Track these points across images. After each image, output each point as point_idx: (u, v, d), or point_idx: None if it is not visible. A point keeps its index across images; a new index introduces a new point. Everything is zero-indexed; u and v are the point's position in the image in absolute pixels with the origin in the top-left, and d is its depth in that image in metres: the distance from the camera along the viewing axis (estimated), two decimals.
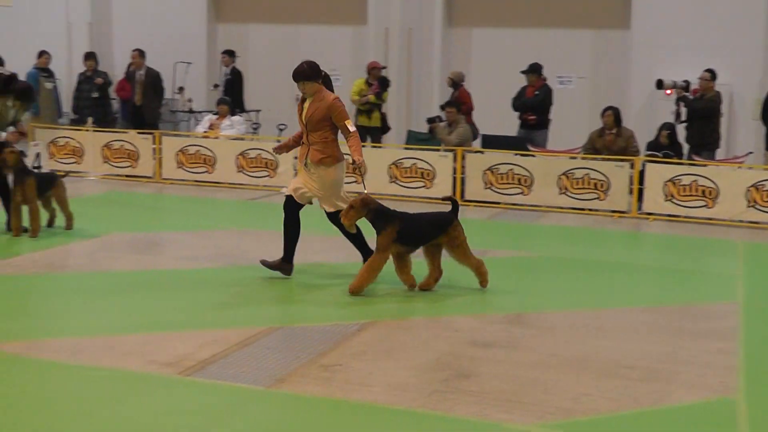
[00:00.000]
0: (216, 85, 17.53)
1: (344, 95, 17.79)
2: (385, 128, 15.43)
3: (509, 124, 14.82)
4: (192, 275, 8.74)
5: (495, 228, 12.12)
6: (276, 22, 19.01)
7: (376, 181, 13.91)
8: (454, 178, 13.68)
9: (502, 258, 10.00)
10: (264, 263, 8.54)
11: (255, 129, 17.26)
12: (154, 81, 16.32)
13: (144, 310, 7.43)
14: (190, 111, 18.26)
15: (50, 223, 10.78)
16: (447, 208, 8.33)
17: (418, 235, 8.18)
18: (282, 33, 18.98)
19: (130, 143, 15.31)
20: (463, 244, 8.25)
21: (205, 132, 15.38)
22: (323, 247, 9.91)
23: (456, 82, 15.41)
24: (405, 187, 13.84)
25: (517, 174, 13.39)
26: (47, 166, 14.86)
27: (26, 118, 10.44)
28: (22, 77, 16.80)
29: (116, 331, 6.78)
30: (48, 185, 10.44)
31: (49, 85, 16.91)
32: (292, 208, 8.56)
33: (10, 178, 10.21)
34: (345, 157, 8.56)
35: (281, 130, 16.87)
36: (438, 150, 13.94)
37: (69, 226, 10.70)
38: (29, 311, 7.52)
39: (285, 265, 8.54)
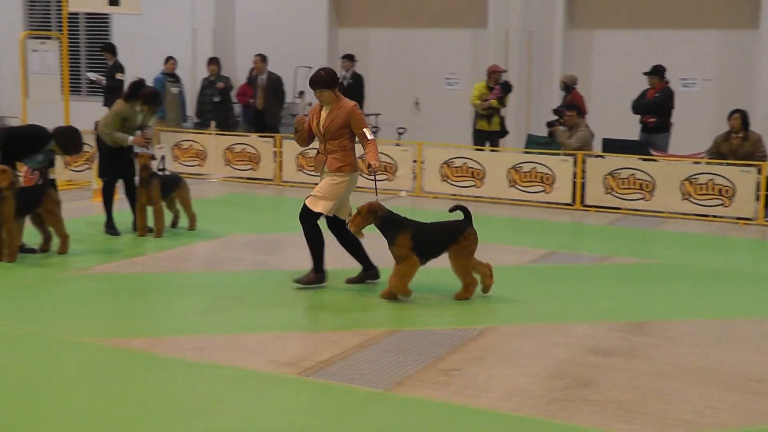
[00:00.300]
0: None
1: (462, 100, 17.91)
2: (503, 132, 15.31)
3: (631, 128, 14.53)
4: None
5: (615, 234, 11.89)
6: (395, 26, 19.06)
7: (495, 186, 13.85)
8: (574, 183, 13.49)
9: (623, 265, 9.81)
10: (298, 282, 8.32)
11: (374, 133, 17.33)
12: (275, 85, 16.57)
13: (264, 310, 7.54)
14: None
15: (174, 224, 11.06)
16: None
17: (431, 245, 7.92)
18: (401, 37, 19.04)
19: (251, 146, 15.59)
20: (470, 255, 7.95)
21: None
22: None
23: (568, 86, 15.20)
24: (524, 191, 13.71)
25: (639, 179, 13.11)
26: (171, 168, 15.26)
27: (153, 123, 10.69)
28: (149, 82, 17.33)
29: (237, 330, 6.90)
30: (172, 187, 10.71)
31: (174, 90, 17.32)
32: (313, 219, 8.35)
33: (136, 179, 10.49)
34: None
35: (400, 133, 16.92)
36: (558, 154, 13.77)
37: (192, 226, 10.96)
38: (153, 309, 7.71)
39: (318, 275, 8.36)
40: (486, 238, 10.76)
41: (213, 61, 17.46)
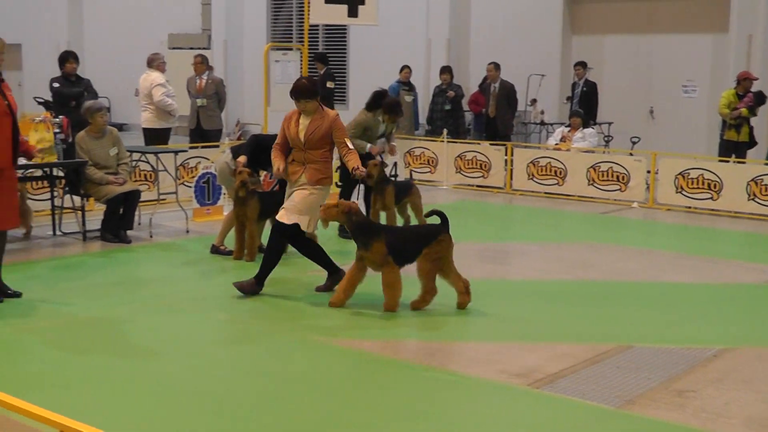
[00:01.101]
0: (569, 98, 17.51)
1: (699, 108, 17.30)
2: (752, 143, 14.48)
3: None
4: (540, 286, 8.79)
5: None
6: (631, 32, 18.63)
7: (734, 199, 13.28)
8: None
9: None
10: (319, 289, 8.26)
11: (607, 142, 17.04)
12: (508, 93, 16.59)
13: (494, 319, 7.57)
14: (542, 123, 18.37)
15: None
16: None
17: (406, 250, 7.67)
18: (637, 43, 18.57)
19: (482, 154, 15.68)
20: (438, 261, 7.63)
21: (556, 144, 15.41)
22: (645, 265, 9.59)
23: None
24: (765, 206, 13.07)
25: None
26: (402, 174, 15.59)
27: (395, 131, 10.94)
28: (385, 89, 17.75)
29: (467, 338, 6.99)
30: (404, 192, 10.93)
31: (408, 98, 17.65)
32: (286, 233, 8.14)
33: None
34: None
35: (634, 143, 16.52)
36: None
37: None
38: (385, 313, 7.84)
39: (337, 274, 8.25)
40: (721, 253, 10.43)
41: (445, 70, 17.67)
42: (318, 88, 8.07)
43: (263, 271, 8.09)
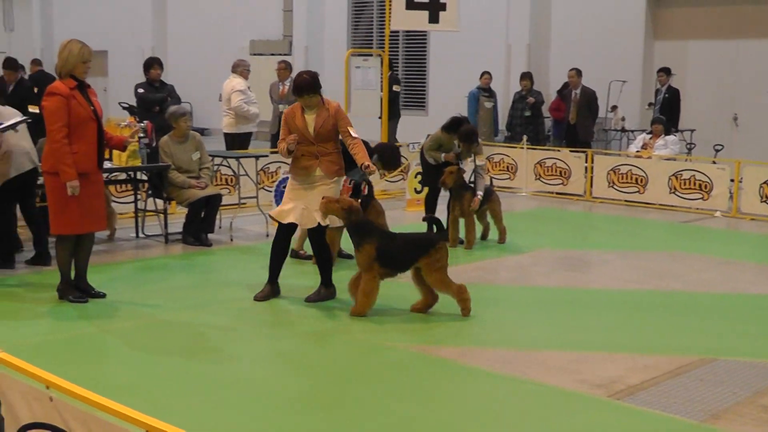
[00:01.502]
0: (650, 104, 17.26)
1: None
2: None
3: None
4: (620, 296, 8.67)
5: None
6: (716, 37, 18.29)
7: None
8: None
9: None
10: (258, 298, 8.11)
11: (689, 149, 16.75)
12: (589, 99, 16.42)
13: (573, 328, 7.49)
14: (623, 130, 18.14)
15: (484, 236, 11.23)
16: None
17: (399, 257, 7.54)
18: (722, 49, 18.22)
19: (562, 161, 15.55)
20: (442, 269, 7.51)
21: (637, 151, 15.20)
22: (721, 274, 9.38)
23: None
24: None
25: None
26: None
27: (475, 162, 10.87)
28: (464, 97, 17.75)
29: (547, 346, 6.91)
30: (483, 200, 10.88)
31: (488, 105, 17.60)
32: (288, 235, 8.20)
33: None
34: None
35: (717, 150, 16.21)
36: None
37: (502, 239, 11.08)
38: (463, 319, 7.80)
39: (275, 287, 8.21)
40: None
41: (525, 76, 17.58)
42: (319, 82, 7.97)
43: (325, 275, 8.18)
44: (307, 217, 7.93)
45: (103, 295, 8.02)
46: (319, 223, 7.91)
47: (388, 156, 9.87)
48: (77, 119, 7.52)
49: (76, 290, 7.94)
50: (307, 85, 7.85)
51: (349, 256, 9.71)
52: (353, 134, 7.91)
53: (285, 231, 8.15)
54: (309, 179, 7.96)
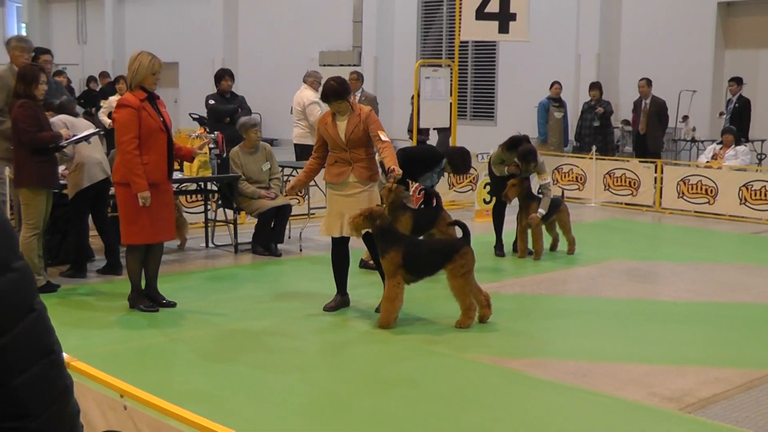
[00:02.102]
0: (721, 114, 17.01)
1: None
2: None
3: None
4: (690, 308, 8.54)
5: None
6: None
7: None
8: None
9: None
10: (327, 308, 8.12)
11: (760, 160, 16.46)
12: (659, 109, 16.24)
13: (644, 340, 7.40)
14: (693, 140, 17.90)
15: (553, 247, 11.17)
16: None
17: (424, 264, 7.46)
18: None
19: (632, 171, 15.38)
20: (467, 275, 7.38)
21: (707, 162, 14.98)
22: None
23: None
24: None
25: None
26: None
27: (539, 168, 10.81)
28: (534, 106, 17.66)
29: (617, 359, 6.83)
30: (553, 210, 10.81)
31: (558, 115, 17.48)
32: (344, 245, 8.13)
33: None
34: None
35: None
36: None
37: (571, 250, 11.01)
38: (533, 330, 7.79)
39: (345, 297, 8.22)
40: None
41: (594, 86, 17.46)
42: (348, 88, 8.01)
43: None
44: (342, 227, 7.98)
45: (174, 305, 8.13)
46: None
47: (457, 160, 9.85)
48: (147, 130, 7.64)
49: (147, 299, 8.06)
50: (334, 92, 7.82)
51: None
52: (383, 138, 7.84)
53: (339, 242, 8.17)
54: (343, 186, 7.96)
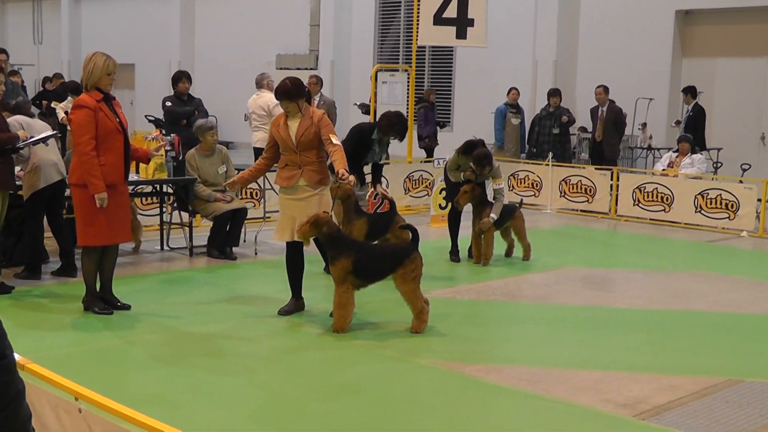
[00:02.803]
0: (677, 122, 17.19)
1: None
2: None
3: None
4: (645, 315, 8.60)
5: None
6: (744, 55, 18.18)
7: None
8: None
9: None
10: (282, 312, 8.12)
11: (716, 168, 16.66)
12: (615, 117, 16.35)
13: (598, 347, 7.45)
14: (649, 148, 18.07)
15: (508, 253, 11.21)
16: None
17: (375, 269, 7.51)
18: (749, 67, 18.10)
19: (588, 179, 15.50)
20: (416, 279, 7.44)
21: (663, 170, 15.14)
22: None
23: None
24: None
25: None
26: (506, 197, 15.49)
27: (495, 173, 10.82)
28: (491, 112, 17.74)
29: (571, 365, 6.86)
30: (507, 216, 10.85)
31: (515, 121, 17.56)
32: (297, 250, 8.13)
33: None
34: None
35: (744, 170, 16.11)
36: None
37: (526, 257, 11.06)
38: (487, 336, 7.82)
39: (299, 302, 8.23)
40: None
41: (555, 93, 17.52)
42: (302, 89, 7.91)
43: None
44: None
45: (128, 307, 8.06)
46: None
47: (384, 123, 9.67)
48: (104, 131, 7.57)
49: (102, 302, 7.98)
50: (284, 91, 7.79)
51: None
52: (335, 141, 7.76)
53: (293, 247, 8.13)
54: (294, 190, 7.93)
